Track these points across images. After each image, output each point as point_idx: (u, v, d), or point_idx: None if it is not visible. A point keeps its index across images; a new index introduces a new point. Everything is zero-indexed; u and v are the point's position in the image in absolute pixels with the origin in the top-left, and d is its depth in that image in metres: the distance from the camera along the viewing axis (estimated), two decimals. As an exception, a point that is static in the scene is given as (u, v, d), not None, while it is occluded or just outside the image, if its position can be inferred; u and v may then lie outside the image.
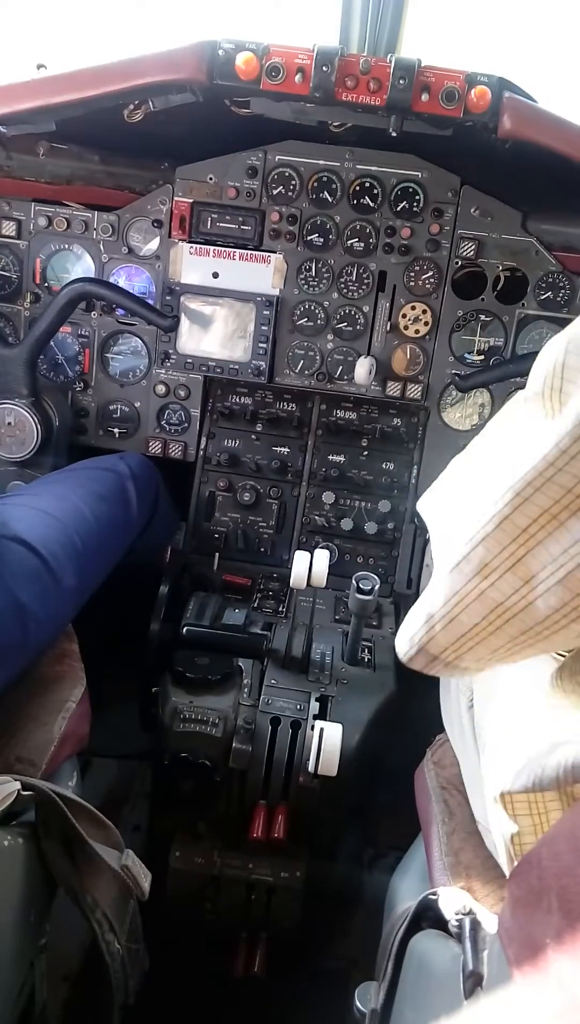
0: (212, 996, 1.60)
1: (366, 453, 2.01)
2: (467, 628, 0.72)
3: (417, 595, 1.66)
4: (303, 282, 1.89)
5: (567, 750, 0.74)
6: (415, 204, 1.82)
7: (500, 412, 0.85)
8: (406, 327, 1.90)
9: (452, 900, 0.81)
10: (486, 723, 0.97)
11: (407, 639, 0.79)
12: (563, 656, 0.87)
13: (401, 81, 1.39)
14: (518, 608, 0.69)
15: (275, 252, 1.88)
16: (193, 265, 1.89)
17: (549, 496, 0.65)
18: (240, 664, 1.58)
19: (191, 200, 1.87)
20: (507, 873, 0.86)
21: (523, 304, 1.86)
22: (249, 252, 1.88)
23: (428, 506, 0.90)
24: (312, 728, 1.43)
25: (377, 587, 1.53)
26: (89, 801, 1.05)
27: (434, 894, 0.85)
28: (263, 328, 1.89)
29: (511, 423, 0.82)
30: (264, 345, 1.90)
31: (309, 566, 1.57)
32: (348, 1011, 1.01)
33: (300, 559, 1.57)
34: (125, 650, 1.65)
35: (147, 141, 1.75)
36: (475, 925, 0.75)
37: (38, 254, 1.92)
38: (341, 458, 2.01)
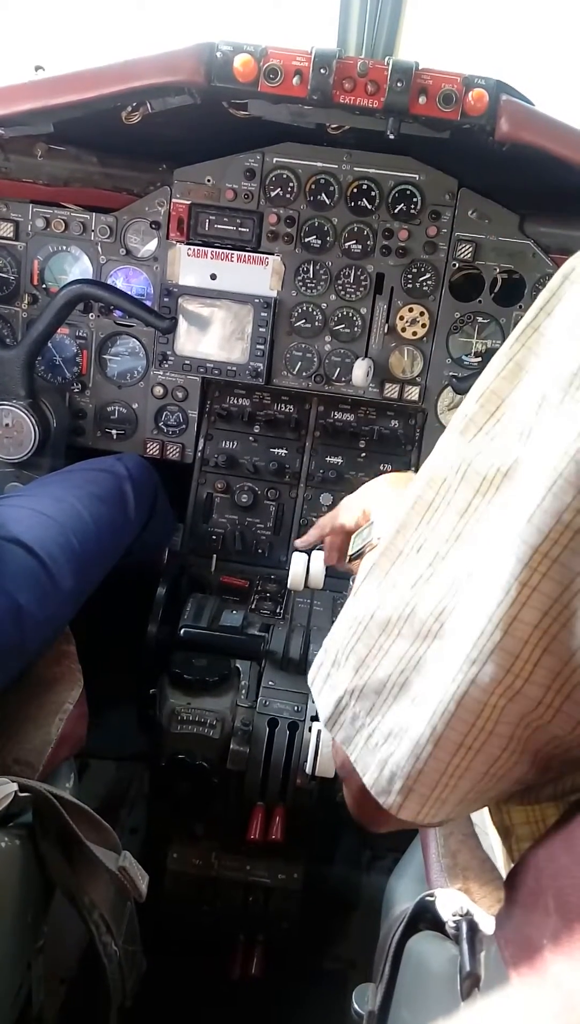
0: (209, 998, 1.60)
1: (364, 455, 2.02)
2: (465, 730, 0.60)
3: None
4: (301, 284, 1.90)
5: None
6: (413, 206, 1.83)
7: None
8: (403, 329, 1.90)
9: (449, 901, 0.81)
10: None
11: (386, 783, 0.64)
12: None
13: (398, 84, 1.39)
14: (515, 691, 0.59)
15: (273, 254, 1.88)
16: (191, 267, 1.89)
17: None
18: (237, 666, 1.59)
19: (189, 202, 1.87)
20: (504, 874, 0.86)
21: (520, 306, 1.87)
22: (247, 254, 1.88)
23: None
24: (310, 730, 1.43)
25: (374, 589, 1.53)
26: (86, 803, 1.05)
27: (431, 895, 0.85)
28: (261, 330, 1.90)
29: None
30: (262, 347, 1.90)
31: (307, 568, 1.57)
32: (346, 1013, 1.01)
33: (298, 561, 1.57)
34: (123, 652, 1.65)
35: (145, 143, 1.75)
36: (472, 926, 0.75)
37: (36, 256, 1.92)
38: (339, 460, 2.02)
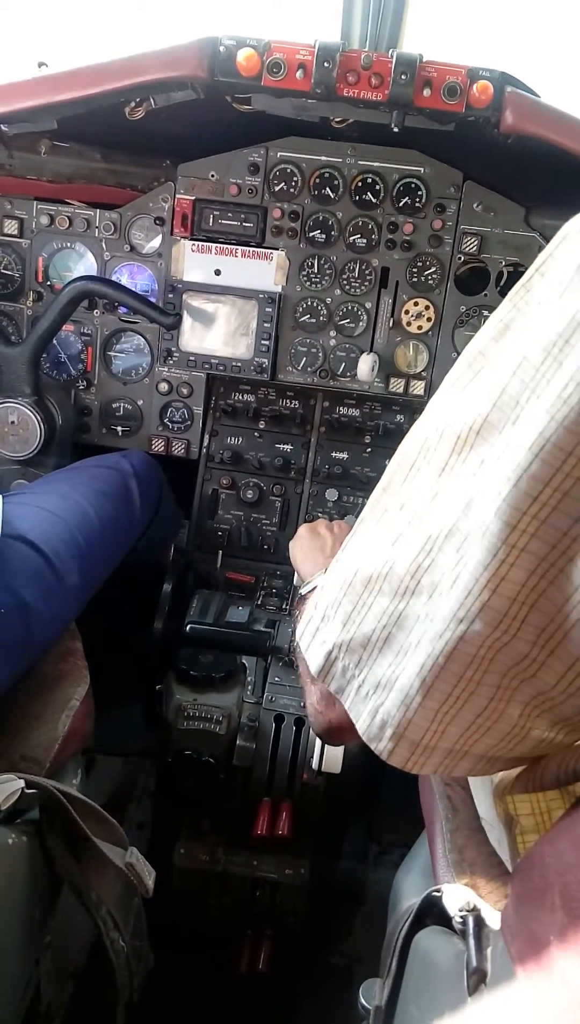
0: (217, 993, 1.60)
1: (369, 450, 2.01)
2: (454, 681, 0.62)
3: None
4: (305, 279, 1.89)
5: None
6: (417, 200, 1.82)
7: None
8: (409, 323, 1.89)
9: (456, 897, 0.81)
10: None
11: (378, 729, 0.67)
12: None
13: (403, 76, 1.39)
14: (503, 644, 0.61)
15: (277, 249, 1.88)
16: (195, 262, 1.89)
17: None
18: (244, 661, 1.59)
19: (193, 197, 1.86)
20: (510, 870, 0.86)
21: (526, 300, 1.86)
22: (251, 249, 1.88)
23: None
24: (316, 725, 1.43)
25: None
26: (93, 799, 1.06)
27: (438, 891, 0.85)
28: (265, 325, 1.89)
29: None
30: (266, 342, 1.90)
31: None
32: (353, 1008, 1.01)
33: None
34: (129, 648, 1.65)
35: (149, 138, 1.75)
36: (479, 922, 0.75)
37: (40, 252, 1.92)
38: (344, 455, 2.01)
